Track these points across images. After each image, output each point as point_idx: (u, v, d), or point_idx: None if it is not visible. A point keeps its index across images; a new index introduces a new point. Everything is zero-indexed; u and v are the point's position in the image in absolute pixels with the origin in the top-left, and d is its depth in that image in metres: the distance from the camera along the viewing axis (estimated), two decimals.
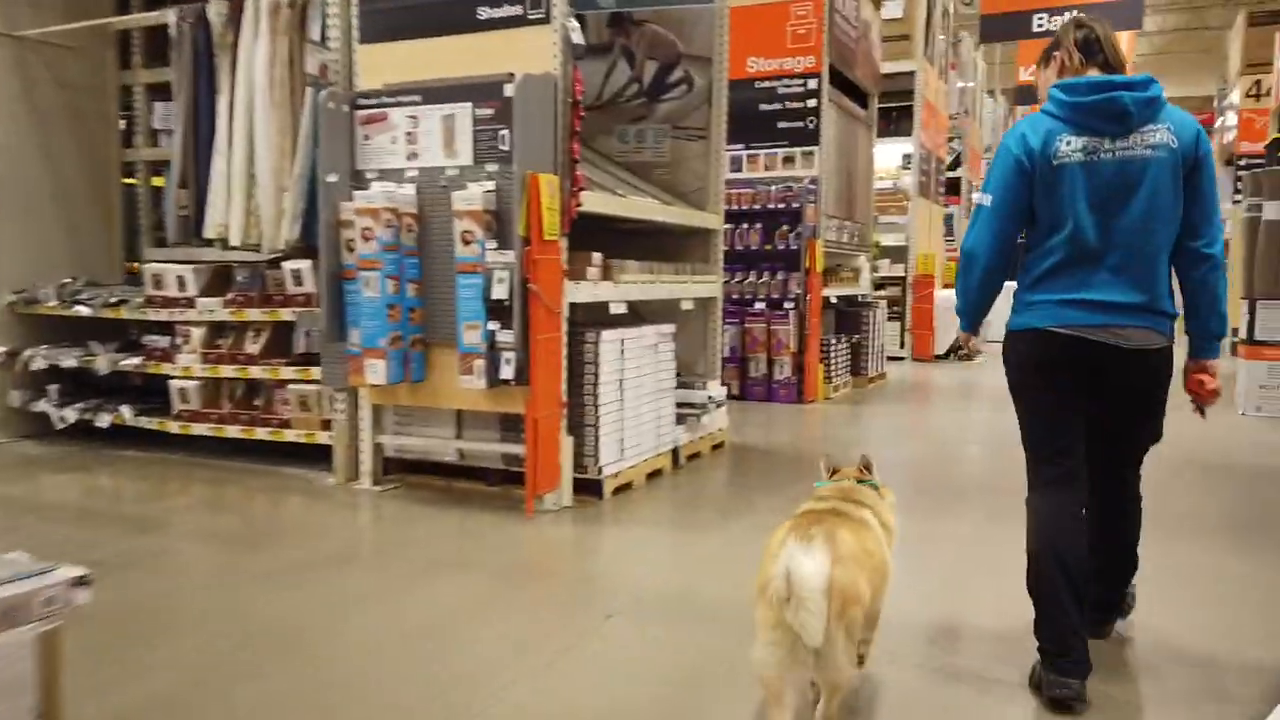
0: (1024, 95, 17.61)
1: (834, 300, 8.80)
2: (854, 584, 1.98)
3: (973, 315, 2.69)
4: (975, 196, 2.50)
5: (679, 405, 5.41)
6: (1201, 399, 2.59)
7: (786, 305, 8.04)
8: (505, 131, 4.13)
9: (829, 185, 8.50)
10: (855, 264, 9.49)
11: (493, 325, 4.09)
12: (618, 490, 4.57)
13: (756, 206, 8.10)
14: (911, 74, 11.90)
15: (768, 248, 8.09)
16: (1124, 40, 16.22)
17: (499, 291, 4.05)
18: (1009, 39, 12.89)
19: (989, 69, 20.32)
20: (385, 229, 4.20)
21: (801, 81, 8.11)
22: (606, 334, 4.44)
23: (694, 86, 5.97)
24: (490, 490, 4.58)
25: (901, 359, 11.99)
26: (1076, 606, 2.38)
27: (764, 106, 8.29)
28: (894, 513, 2.48)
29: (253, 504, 4.46)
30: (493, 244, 4.07)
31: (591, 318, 5.05)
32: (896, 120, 13.13)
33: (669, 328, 5.09)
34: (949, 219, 15.30)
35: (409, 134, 4.35)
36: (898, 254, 12.15)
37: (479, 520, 4.11)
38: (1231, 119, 14.37)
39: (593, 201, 4.45)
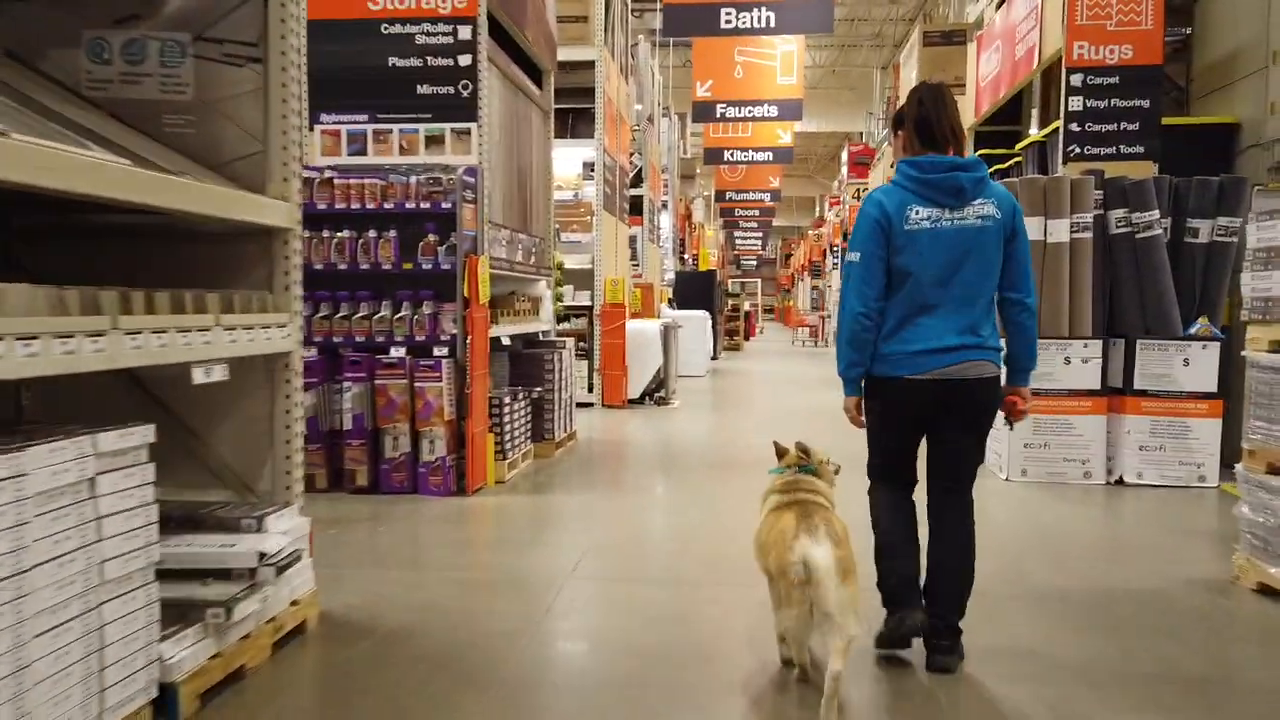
0: (700, 112, 16.66)
1: (506, 341, 6.38)
2: (850, 559, 2.60)
3: (858, 370, 2.89)
4: (846, 258, 2.97)
5: (191, 578, 2.64)
6: (1014, 416, 3.02)
7: (438, 351, 5.46)
8: None
9: (495, 181, 6.09)
10: (534, 291, 7.16)
11: None
12: None
13: (389, 205, 5.45)
14: (591, 64, 9.95)
15: (407, 266, 5.46)
16: (799, 51, 15.73)
17: None
18: (695, 34, 11.52)
19: (663, 90, 19.36)
20: None
21: (449, 28, 5.62)
22: None
23: None
24: None
25: (591, 405, 9.89)
26: (907, 569, 2.90)
27: (396, 61, 5.69)
28: (833, 488, 2.99)
29: None
30: None
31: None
32: (574, 124, 11.18)
33: (127, 436, 2.30)
34: (633, 241, 13.65)
35: None
36: (582, 279, 10.07)
37: None
38: None
39: None
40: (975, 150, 9.77)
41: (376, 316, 5.51)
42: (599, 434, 8.21)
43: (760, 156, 20.31)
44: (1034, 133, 8.75)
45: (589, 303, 10.03)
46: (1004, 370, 2.96)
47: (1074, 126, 6.64)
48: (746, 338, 26.58)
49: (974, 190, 2.79)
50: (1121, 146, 6.57)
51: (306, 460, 5.60)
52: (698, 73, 16.38)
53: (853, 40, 24.28)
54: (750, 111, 16.40)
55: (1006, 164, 8.51)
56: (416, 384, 5.39)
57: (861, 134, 25.19)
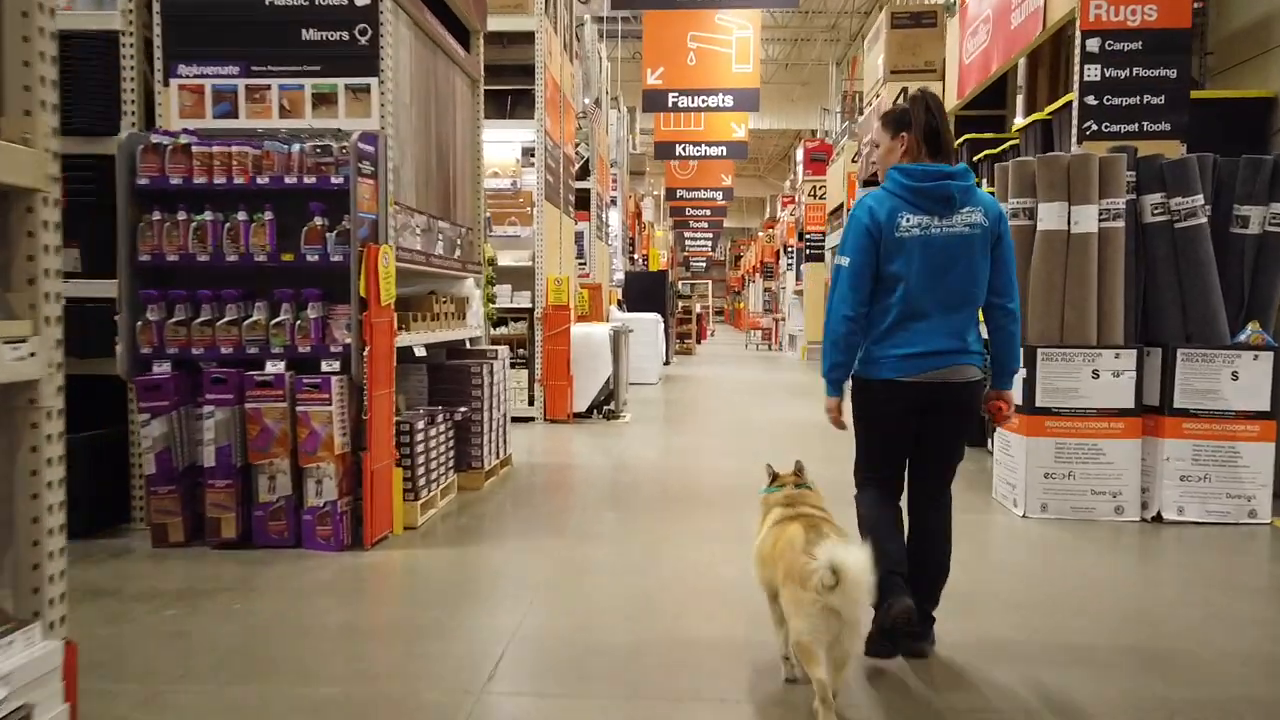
0: (651, 101, 15.64)
1: (421, 352, 5.22)
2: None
3: (841, 371, 2.99)
4: (835, 260, 3.01)
5: None
6: (998, 420, 3.11)
7: (327, 366, 4.30)
8: None
9: (405, 154, 4.94)
10: (459, 291, 6.02)
11: None
12: None
13: (264, 180, 4.28)
14: (531, 37, 8.82)
15: (287, 257, 4.30)
16: (755, 37, 14.80)
17: None
18: (648, 6, 10.48)
19: (612, 82, 18.27)
20: None
21: None
22: None
23: None
24: None
25: (531, 420, 8.77)
26: (894, 576, 2.82)
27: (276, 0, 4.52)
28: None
29: None
30: None
31: None
32: (513, 108, 10.04)
33: None
34: (579, 237, 12.53)
35: None
36: (521, 278, 8.93)
37: None
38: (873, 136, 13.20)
39: None
40: (958, 136, 8.86)
41: (248, 322, 4.32)
42: (540, 457, 7.08)
43: (713, 151, 19.32)
44: (1019, 120, 7.85)
45: (529, 305, 8.89)
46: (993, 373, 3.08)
47: (1090, 99, 5.71)
48: (699, 341, 25.63)
49: (963, 198, 2.88)
50: (1145, 123, 5.66)
51: (158, 506, 4.43)
52: (648, 59, 15.34)
53: (806, 34, 23.46)
54: (704, 101, 15.41)
55: (999, 149, 7.58)
56: (299, 408, 4.23)
57: (815, 131, 24.37)
